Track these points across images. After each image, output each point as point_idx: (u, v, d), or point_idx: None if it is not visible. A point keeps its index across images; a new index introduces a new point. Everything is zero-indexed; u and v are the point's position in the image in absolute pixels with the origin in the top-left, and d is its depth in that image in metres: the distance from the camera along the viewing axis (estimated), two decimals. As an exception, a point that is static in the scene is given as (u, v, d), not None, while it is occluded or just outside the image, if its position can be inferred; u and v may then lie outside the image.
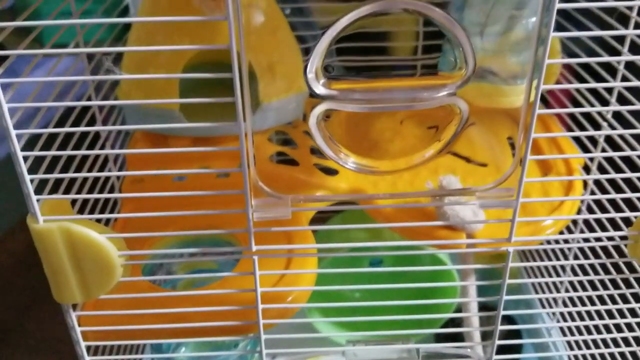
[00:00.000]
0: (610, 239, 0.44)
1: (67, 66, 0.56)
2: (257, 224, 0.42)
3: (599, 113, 0.61)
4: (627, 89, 0.55)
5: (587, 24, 0.61)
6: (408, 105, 0.37)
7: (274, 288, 0.47)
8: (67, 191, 0.45)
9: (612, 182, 0.55)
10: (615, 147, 0.52)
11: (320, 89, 0.37)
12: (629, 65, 0.51)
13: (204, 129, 0.57)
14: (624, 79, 0.55)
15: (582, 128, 0.63)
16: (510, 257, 0.45)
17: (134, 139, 0.63)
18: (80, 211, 0.48)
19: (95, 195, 0.42)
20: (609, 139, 0.59)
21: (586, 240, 0.59)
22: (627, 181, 0.52)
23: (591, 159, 0.62)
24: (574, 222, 0.66)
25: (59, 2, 0.51)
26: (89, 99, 0.57)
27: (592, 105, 0.60)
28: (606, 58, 0.44)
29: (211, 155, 0.61)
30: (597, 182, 0.62)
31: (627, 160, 0.52)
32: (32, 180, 0.40)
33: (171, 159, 0.61)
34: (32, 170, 0.40)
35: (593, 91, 0.62)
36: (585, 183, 0.63)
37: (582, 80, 0.64)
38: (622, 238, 0.44)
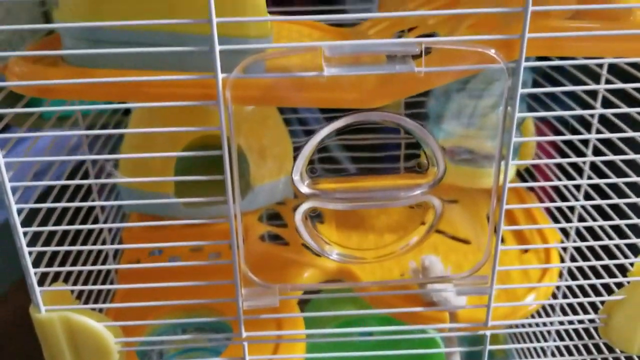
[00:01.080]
0: (580, 322, 0.47)
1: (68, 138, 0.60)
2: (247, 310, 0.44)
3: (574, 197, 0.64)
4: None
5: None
6: (386, 203, 0.41)
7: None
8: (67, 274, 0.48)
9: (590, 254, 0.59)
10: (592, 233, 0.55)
11: (305, 189, 0.41)
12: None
13: (197, 213, 0.60)
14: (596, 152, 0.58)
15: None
16: (488, 340, 0.48)
17: (131, 220, 0.66)
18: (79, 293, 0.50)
19: (93, 287, 0.44)
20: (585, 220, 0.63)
21: (561, 323, 0.62)
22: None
23: (567, 236, 0.65)
24: (554, 296, 0.69)
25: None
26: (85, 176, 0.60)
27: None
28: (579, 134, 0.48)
29: (204, 237, 0.64)
30: (575, 259, 0.65)
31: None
32: (35, 273, 0.42)
33: (166, 240, 0.63)
34: (31, 243, 0.42)
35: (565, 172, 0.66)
36: (562, 260, 0.66)
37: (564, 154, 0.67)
38: (591, 321, 0.47)
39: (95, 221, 0.60)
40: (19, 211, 0.40)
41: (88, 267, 0.45)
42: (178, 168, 0.62)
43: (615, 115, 0.52)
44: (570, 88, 0.42)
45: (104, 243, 0.63)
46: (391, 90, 0.38)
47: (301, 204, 0.41)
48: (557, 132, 0.69)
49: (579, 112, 0.47)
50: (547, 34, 0.37)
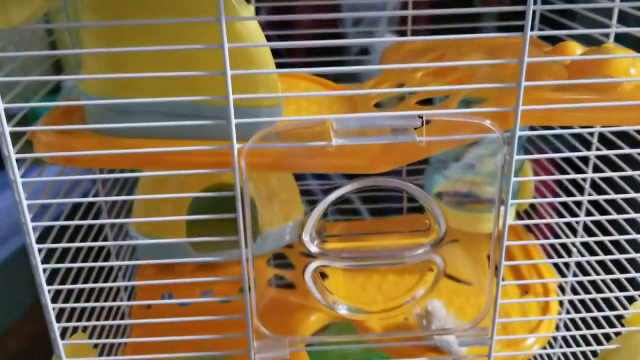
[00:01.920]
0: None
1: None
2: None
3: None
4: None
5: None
6: (391, 262, 0.43)
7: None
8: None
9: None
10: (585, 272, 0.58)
11: (314, 249, 0.43)
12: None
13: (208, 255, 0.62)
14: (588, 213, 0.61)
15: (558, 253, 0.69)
16: (489, 386, 0.50)
17: (143, 266, 0.68)
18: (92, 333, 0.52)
19: (108, 340, 0.46)
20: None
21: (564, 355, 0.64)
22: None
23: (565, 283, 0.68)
24: (554, 338, 0.71)
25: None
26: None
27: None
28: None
29: (214, 283, 0.66)
30: (572, 302, 0.67)
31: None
32: (58, 327, 0.45)
33: (177, 286, 0.65)
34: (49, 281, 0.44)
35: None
36: (560, 303, 0.68)
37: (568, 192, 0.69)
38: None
39: (111, 270, 0.62)
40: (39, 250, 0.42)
41: (101, 304, 0.47)
42: (190, 221, 0.65)
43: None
44: (563, 132, 0.44)
45: (119, 291, 0.66)
46: (394, 158, 0.40)
47: (310, 262, 0.44)
48: (553, 172, 0.71)
49: (574, 154, 0.49)
50: (540, 107, 0.39)
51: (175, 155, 0.40)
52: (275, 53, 0.42)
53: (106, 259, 0.62)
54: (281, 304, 0.64)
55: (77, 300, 0.48)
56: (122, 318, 0.65)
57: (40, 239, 0.42)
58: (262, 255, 0.67)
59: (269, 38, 0.41)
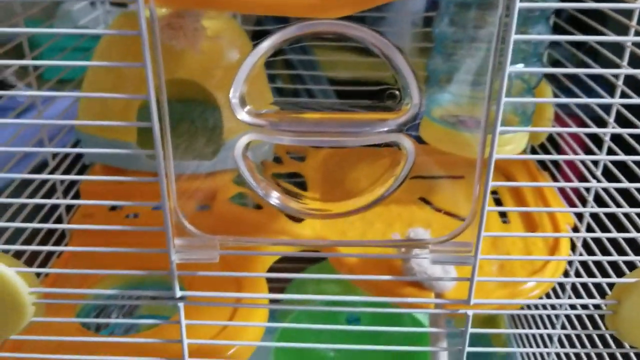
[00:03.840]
0: (585, 307, 0.39)
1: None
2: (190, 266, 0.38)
3: (588, 169, 0.56)
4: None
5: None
6: (342, 140, 0.33)
7: (206, 340, 0.42)
8: None
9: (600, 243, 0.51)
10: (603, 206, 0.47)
11: (245, 117, 0.34)
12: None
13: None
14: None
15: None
16: (470, 321, 0.40)
17: (92, 172, 0.60)
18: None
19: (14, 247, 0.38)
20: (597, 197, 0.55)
21: (573, 307, 0.54)
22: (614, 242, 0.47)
23: (580, 219, 0.57)
24: (561, 285, 0.61)
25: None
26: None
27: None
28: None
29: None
30: (585, 244, 0.57)
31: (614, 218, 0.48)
32: None
33: (126, 193, 0.57)
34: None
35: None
36: (573, 244, 0.57)
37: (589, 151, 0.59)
38: (597, 307, 0.39)
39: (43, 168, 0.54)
40: None
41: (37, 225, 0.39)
42: (140, 116, 0.56)
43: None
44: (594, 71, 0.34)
45: (53, 192, 0.57)
46: (353, -4, 0.30)
47: (240, 136, 0.34)
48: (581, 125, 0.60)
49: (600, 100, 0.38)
50: None
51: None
52: None
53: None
54: (241, 223, 0.55)
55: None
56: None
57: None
58: (227, 170, 0.58)
59: None
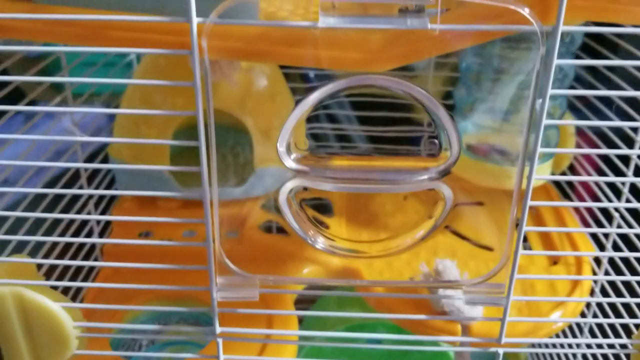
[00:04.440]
0: (611, 346, 0.40)
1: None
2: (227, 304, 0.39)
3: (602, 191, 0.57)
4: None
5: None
6: (385, 187, 0.34)
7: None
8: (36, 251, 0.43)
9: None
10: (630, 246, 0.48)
11: (291, 164, 0.35)
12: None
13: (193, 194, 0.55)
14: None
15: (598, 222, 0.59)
16: (501, 359, 0.41)
17: (122, 199, 0.61)
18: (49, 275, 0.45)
19: (49, 261, 0.39)
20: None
21: (589, 346, 0.54)
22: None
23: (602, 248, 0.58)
24: (583, 315, 0.61)
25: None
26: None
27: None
28: (620, 150, 0.41)
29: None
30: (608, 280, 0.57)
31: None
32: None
33: (158, 222, 0.58)
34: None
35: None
36: (595, 280, 0.58)
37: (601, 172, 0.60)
38: (623, 346, 0.40)
39: (78, 197, 0.55)
40: None
41: (51, 238, 0.40)
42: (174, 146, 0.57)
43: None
44: (617, 93, 0.35)
45: (88, 220, 0.59)
46: (401, 52, 0.32)
47: (287, 181, 0.35)
48: (605, 141, 0.61)
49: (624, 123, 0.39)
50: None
51: (124, 30, 0.32)
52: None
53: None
54: (270, 251, 0.56)
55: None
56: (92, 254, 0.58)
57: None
58: (257, 197, 0.59)
59: None
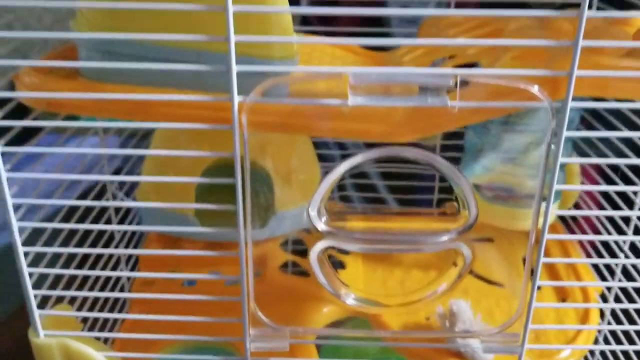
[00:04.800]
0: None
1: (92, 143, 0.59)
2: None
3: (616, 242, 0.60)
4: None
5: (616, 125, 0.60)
6: (410, 248, 0.37)
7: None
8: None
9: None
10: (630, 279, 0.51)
11: (322, 227, 0.38)
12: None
13: (216, 237, 0.57)
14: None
15: (601, 256, 0.62)
16: (515, 401, 0.43)
17: (148, 239, 0.64)
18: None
19: (97, 314, 0.42)
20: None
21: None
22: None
23: (609, 289, 0.60)
24: (591, 352, 0.64)
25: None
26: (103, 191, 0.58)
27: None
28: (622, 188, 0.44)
29: (222, 260, 0.61)
30: (614, 312, 0.60)
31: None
32: (35, 296, 0.40)
33: (183, 262, 0.61)
34: (34, 263, 0.40)
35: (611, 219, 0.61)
36: (602, 313, 0.61)
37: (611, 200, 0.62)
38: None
39: (109, 241, 0.58)
40: (21, 230, 0.38)
41: (93, 293, 0.43)
42: (199, 189, 0.60)
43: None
44: (623, 134, 0.37)
45: (116, 264, 0.61)
46: (422, 125, 0.35)
47: (317, 242, 0.38)
48: (604, 177, 0.64)
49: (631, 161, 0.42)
50: (598, 72, 0.33)
51: (169, 106, 0.35)
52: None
53: (108, 245, 0.57)
54: (291, 292, 0.59)
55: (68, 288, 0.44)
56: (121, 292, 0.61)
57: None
58: (276, 237, 0.61)
59: (311, 20, 0.36)
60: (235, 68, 0.32)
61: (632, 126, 0.52)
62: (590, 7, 0.57)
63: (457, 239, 0.38)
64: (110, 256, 0.57)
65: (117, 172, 0.63)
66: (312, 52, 0.50)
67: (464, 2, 0.62)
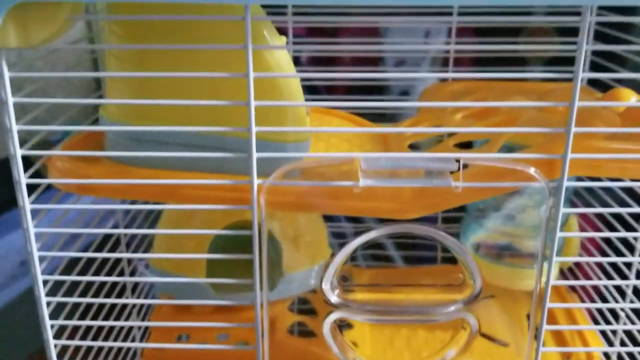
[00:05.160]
0: None
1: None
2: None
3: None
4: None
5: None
6: (419, 318, 0.39)
7: None
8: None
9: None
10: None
11: (335, 299, 0.40)
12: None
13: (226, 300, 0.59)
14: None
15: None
16: None
17: (159, 304, 0.65)
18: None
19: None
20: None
21: None
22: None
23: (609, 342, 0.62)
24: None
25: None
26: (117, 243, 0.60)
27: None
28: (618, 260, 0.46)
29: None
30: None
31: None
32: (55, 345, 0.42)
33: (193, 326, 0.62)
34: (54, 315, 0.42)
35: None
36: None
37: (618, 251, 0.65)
38: None
39: (124, 307, 0.60)
40: (45, 282, 0.40)
41: (110, 343, 0.44)
42: (211, 252, 0.62)
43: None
44: (615, 210, 0.40)
45: (131, 330, 0.63)
46: (427, 203, 0.37)
47: (330, 313, 0.40)
48: (601, 229, 0.67)
49: (622, 210, 0.44)
50: (590, 155, 0.36)
51: (193, 189, 0.38)
52: (315, 91, 0.40)
53: (120, 294, 0.59)
54: (300, 353, 0.60)
55: (83, 338, 0.45)
56: (133, 359, 0.62)
57: (51, 274, 0.40)
58: (284, 299, 0.63)
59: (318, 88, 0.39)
60: (255, 155, 0.35)
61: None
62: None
63: (463, 309, 0.40)
64: (122, 311, 0.59)
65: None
66: (321, 125, 0.53)
67: (460, 58, 0.65)
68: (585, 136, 0.37)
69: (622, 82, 0.49)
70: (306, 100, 0.39)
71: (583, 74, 0.34)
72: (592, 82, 0.56)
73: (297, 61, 0.66)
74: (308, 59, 0.80)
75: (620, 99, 0.43)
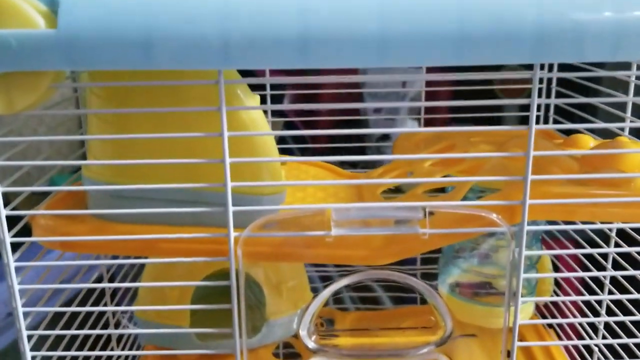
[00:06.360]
0: None
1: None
2: None
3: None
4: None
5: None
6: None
7: None
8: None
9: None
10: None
11: (312, 345, 0.41)
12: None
13: (211, 348, 0.60)
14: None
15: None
16: None
17: (145, 355, 0.66)
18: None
19: None
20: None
21: None
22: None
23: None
24: None
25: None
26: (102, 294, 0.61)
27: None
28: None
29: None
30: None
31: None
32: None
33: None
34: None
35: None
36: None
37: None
38: None
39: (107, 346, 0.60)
40: (29, 337, 0.41)
41: None
42: (195, 301, 0.63)
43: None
44: (581, 251, 0.42)
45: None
46: (396, 250, 0.39)
47: (310, 359, 0.41)
48: (575, 267, 0.68)
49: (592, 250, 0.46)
50: (547, 201, 0.38)
51: (172, 242, 0.39)
52: (300, 140, 0.41)
53: (105, 345, 0.60)
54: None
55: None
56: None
57: (37, 327, 0.41)
58: (268, 345, 0.64)
59: (292, 125, 0.41)
60: (231, 208, 0.37)
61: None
62: (547, 120, 0.63)
63: (435, 350, 0.41)
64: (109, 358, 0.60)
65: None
66: (298, 175, 0.55)
67: (436, 91, 0.67)
68: (543, 182, 0.39)
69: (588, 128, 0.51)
70: (283, 148, 0.41)
71: (537, 125, 0.36)
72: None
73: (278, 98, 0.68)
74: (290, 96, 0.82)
75: (578, 145, 0.45)
